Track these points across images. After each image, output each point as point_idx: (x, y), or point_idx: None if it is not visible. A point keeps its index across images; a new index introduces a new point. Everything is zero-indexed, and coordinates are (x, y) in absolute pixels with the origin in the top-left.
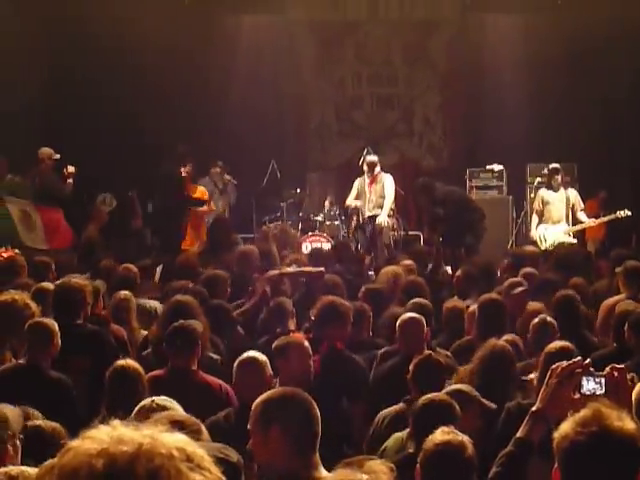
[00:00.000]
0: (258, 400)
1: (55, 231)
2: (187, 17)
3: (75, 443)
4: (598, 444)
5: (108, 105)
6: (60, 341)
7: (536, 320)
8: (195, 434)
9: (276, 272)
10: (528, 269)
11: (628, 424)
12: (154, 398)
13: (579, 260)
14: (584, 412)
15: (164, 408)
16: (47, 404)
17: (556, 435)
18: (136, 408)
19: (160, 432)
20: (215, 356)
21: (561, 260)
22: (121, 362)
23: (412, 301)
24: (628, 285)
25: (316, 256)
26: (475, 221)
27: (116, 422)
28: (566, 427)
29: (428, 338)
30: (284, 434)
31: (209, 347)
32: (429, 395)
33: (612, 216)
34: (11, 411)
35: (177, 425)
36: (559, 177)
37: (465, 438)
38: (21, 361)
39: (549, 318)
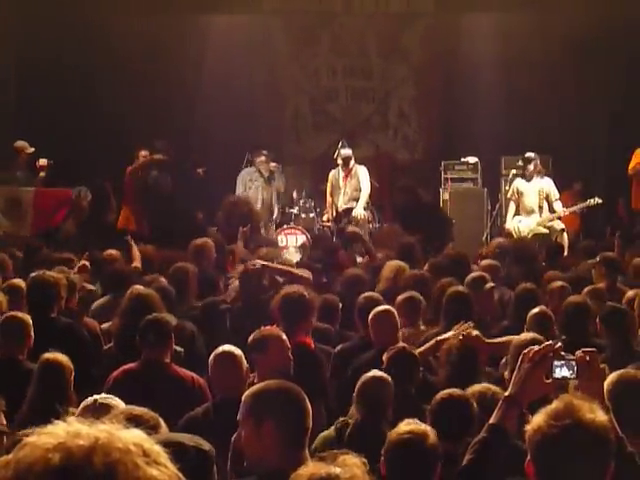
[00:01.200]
0: (249, 393)
1: (46, 209)
2: (162, 13)
3: (31, 438)
4: (571, 436)
5: (82, 101)
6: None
7: (535, 311)
8: (153, 429)
9: (260, 263)
10: (488, 261)
11: (600, 416)
12: (96, 397)
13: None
14: (556, 404)
15: (107, 406)
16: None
17: (528, 428)
18: (79, 407)
19: (117, 428)
20: (179, 349)
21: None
22: (47, 355)
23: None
24: (607, 275)
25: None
26: (443, 229)
27: (72, 418)
28: (538, 420)
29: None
30: (278, 429)
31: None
32: (447, 390)
33: (583, 204)
34: None
35: (135, 419)
36: (531, 166)
37: (428, 428)
38: None
39: (549, 311)
